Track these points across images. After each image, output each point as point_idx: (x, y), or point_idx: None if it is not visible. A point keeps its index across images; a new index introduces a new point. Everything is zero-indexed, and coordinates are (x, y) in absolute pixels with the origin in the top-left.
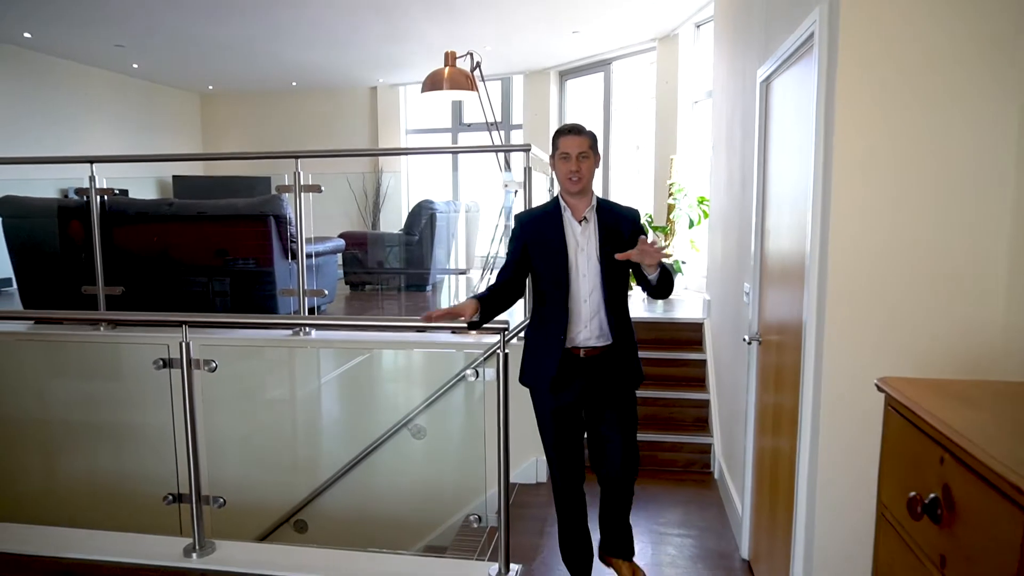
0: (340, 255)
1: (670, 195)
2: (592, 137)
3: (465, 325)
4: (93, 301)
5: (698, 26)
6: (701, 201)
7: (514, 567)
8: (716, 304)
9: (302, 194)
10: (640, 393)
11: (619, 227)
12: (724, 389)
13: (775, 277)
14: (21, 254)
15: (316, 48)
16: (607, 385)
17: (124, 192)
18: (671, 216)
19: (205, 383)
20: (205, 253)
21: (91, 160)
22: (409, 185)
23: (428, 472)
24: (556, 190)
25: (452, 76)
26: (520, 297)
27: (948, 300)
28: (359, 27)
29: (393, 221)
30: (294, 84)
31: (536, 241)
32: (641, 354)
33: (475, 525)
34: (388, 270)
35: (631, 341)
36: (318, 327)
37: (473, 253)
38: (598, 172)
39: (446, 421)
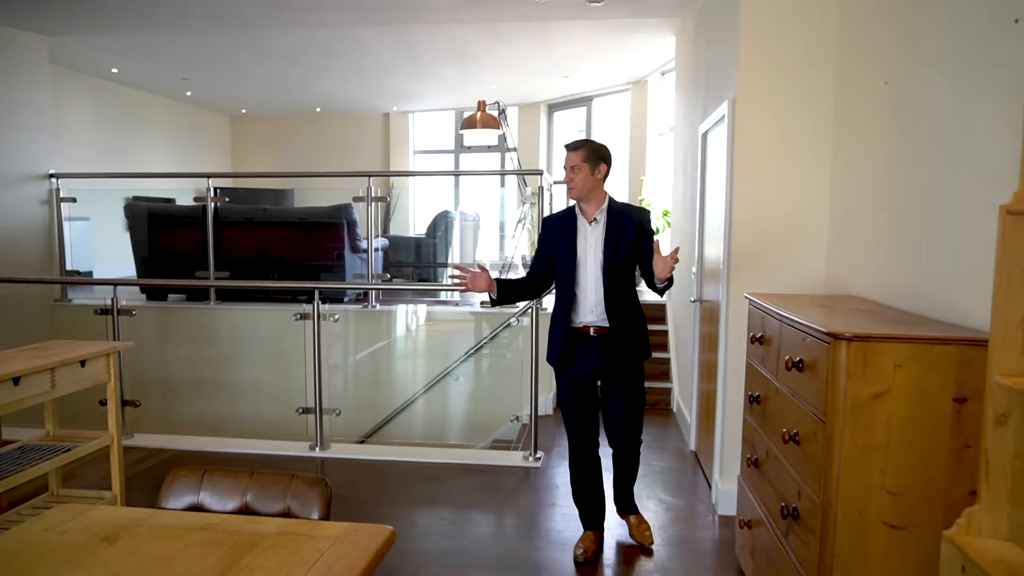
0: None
1: None
2: (586, 150)
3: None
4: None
5: (663, 74)
6: (665, 214)
7: (540, 453)
8: (675, 288)
9: (370, 204)
10: None
11: (626, 226)
12: (681, 350)
13: (709, 271)
14: (141, 247)
15: (347, 83)
16: (615, 359)
17: (171, 200)
18: None
19: (327, 331)
20: (293, 248)
21: (208, 176)
22: (415, 198)
23: (483, 391)
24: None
25: (484, 119)
26: (546, 288)
27: (796, 268)
28: (390, 69)
29: (401, 226)
30: (318, 110)
31: (555, 239)
32: None
33: (513, 422)
34: (416, 264)
35: (635, 323)
36: (403, 290)
37: (476, 252)
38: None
39: (497, 356)
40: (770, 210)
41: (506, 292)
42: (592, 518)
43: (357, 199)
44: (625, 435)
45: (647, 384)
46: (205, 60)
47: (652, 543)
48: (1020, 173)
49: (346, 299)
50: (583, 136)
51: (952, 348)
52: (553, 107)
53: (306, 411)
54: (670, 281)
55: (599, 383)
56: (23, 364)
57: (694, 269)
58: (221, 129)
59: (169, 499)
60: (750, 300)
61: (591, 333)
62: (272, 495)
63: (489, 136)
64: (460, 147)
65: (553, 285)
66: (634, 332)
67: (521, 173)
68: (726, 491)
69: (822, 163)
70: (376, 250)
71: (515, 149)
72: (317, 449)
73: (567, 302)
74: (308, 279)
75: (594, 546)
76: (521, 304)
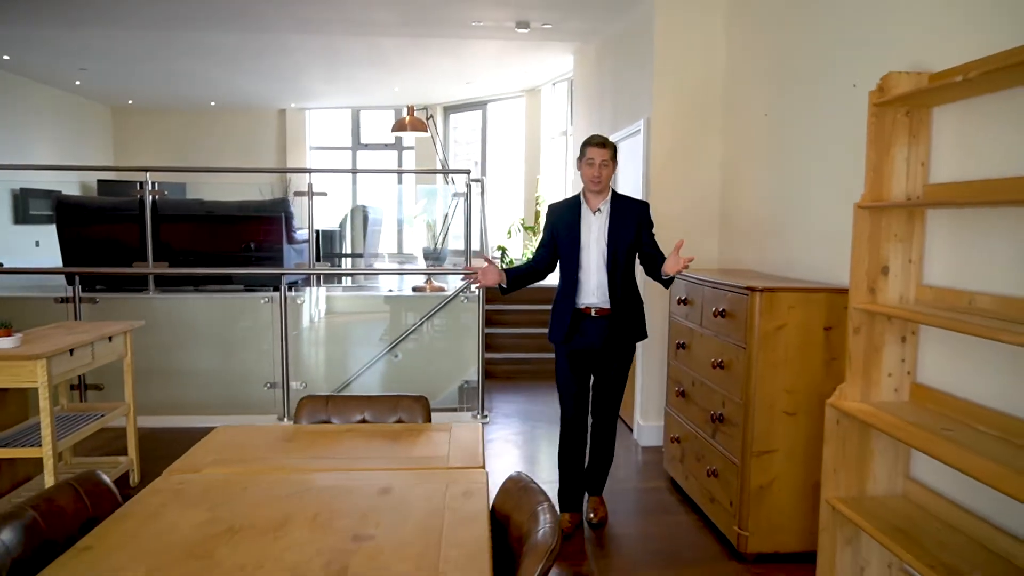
0: None
1: (536, 204)
2: (613, 148)
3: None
4: (144, 279)
5: (554, 84)
6: None
7: (487, 412)
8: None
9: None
10: (523, 330)
11: (627, 217)
12: None
13: None
14: (71, 244)
15: (249, 79)
16: (613, 338)
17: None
18: (537, 220)
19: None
20: (232, 240)
21: (146, 169)
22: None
23: (437, 357)
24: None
25: (412, 122)
26: (551, 271)
27: (697, 249)
28: (304, 70)
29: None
30: (212, 104)
31: (560, 225)
32: (523, 307)
33: (465, 387)
34: (340, 254)
35: (634, 305)
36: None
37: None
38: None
39: (440, 331)
40: (675, 206)
41: (514, 282)
42: (571, 498)
43: (299, 193)
44: (608, 406)
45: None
46: (102, 52)
47: (602, 517)
48: (865, 182)
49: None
50: (479, 139)
51: (823, 295)
52: (449, 109)
53: (273, 385)
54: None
55: (593, 366)
56: (71, 339)
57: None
58: (102, 120)
59: (303, 418)
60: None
61: (592, 313)
62: (385, 411)
63: (417, 136)
64: (357, 144)
65: (551, 272)
66: (633, 314)
67: (450, 172)
68: (647, 427)
69: (713, 170)
70: (306, 241)
71: (444, 159)
72: (285, 419)
73: (570, 285)
74: (247, 269)
75: (571, 527)
76: (457, 285)
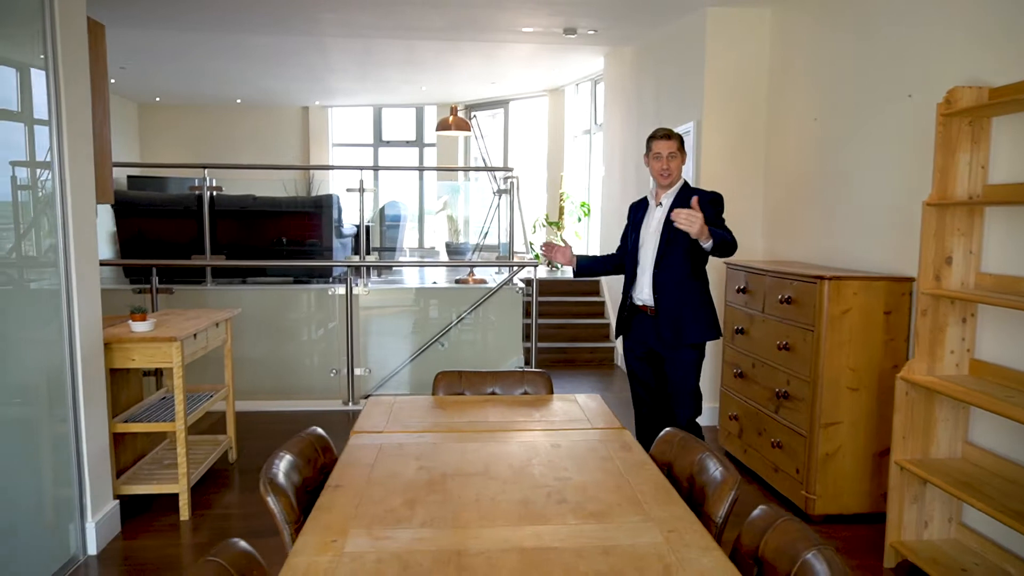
0: None
1: (561, 201)
2: (680, 140)
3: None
4: (201, 270)
5: (578, 85)
6: (583, 205)
7: None
8: None
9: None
10: (564, 320)
11: (686, 206)
12: None
13: None
14: (129, 239)
15: (277, 78)
16: (663, 338)
17: None
18: (561, 216)
19: (356, 302)
20: (281, 234)
21: (204, 166)
22: (333, 189)
23: (482, 346)
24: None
25: (456, 121)
26: (624, 268)
27: (742, 244)
28: (336, 70)
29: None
30: (238, 101)
31: (633, 221)
32: (560, 299)
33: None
34: (380, 248)
35: (689, 305)
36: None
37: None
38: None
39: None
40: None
41: (584, 268)
42: None
43: (350, 189)
44: (678, 413)
45: (590, 345)
46: (142, 50)
47: None
48: (933, 183)
49: (331, 279)
50: (502, 136)
51: (883, 282)
52: (471, 107)
53: (336, 372)
54: (724, 245)
55: (655, 361)
56: (192, 324)
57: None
58: (130, 117)
59: (439, 390)
60: (730, 265)
61: (647, 312)
62: (511, 384)
63: (461, 135)
64: (379, 141)
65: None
66: (686, 314)
67: (492, 170)
68: None
69: (758, 170)
70: (348, 236)
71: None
72: (350, 404)
73: (628, 280)
74: (294, 259)
75: None
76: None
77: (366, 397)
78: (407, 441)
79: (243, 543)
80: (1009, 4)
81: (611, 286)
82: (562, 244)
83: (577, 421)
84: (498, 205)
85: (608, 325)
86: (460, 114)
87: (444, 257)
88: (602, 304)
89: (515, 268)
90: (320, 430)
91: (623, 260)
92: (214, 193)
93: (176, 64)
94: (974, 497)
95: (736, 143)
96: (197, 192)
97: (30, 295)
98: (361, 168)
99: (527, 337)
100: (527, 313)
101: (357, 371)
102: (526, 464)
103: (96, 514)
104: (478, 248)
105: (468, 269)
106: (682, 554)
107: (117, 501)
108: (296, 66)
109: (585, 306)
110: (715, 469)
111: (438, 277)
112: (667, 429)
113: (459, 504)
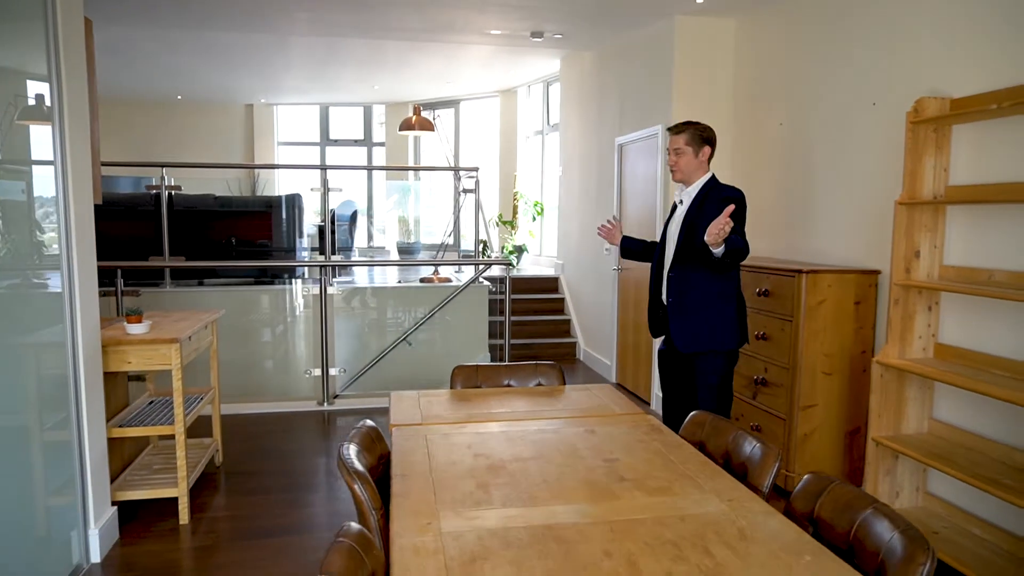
0: None
1: (515, 200)
2: (690, 133)
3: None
4: (158, 272)
5: (530, 87)
6: (536, 204)
7: None
8: (571, 263)
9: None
10: (524, 317)
11: (709, 209)
12: (585, 311)
13: None
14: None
15: (226, 75)
16: (681, 339)
17: None
18: (515, 216)
19: (331, 301)
20: (244, 234)
21: (162, 165)
22: (278, 188)
23: (448, 344)
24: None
25: (419, 121)
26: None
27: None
28: (292, 68)
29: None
30: (179, 97)
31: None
32: (521, 296)
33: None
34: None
35: (707, 306)
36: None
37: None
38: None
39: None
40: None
41: (625, 249)
42: None
43: (315, 189)
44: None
45: (552, 341)
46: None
47: None
48: (903, 184)
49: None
50: (452, 136)
51: (853, 275)
52: (421, 107)
53: (310, 373)
54: (735, 253)
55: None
56: (185, 325)
57: (607, 247)
58: None
59: (457, 384)
60: None
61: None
62: (525, 376)
63: (424, 135)
64: (326, 140)
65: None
66: (703, 316)
67: (458, 169)
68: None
69: (724, 171)
70: (308, 235)
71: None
72: (325, 404)
73: (654, 278)
74: (261, 260)
75: None
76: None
77: (336, 397)
78: (450, 432)
79: (356, 525)
80: (965, 21)
81: (570, 283)
82: (612, 225)
83: (601, 408)
84: (462, 204)
85: (569, 322)
86: (423, 114)
87: (395, 256)
88: (562, 301)
89: (480, 268)
90: (371, 422)
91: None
92: (172, 193)
93: (111, 58)
94: (945, 465)
95: None
96: (154, 191)
97: (35, 298)
98: (321, 167)
99: (493, 334)
100: (492, 311)
101: (332, 371)
102: (573, 448)
103: (98, 521)
104: (443, 247)
105: (433, 268)
106: (749, 519)
107: (115, 508)
108: (248, 63)
109: (546, 303)
110: (753, 445)
111: (390, 277)
112: (695, 412)
113: (529, 485)
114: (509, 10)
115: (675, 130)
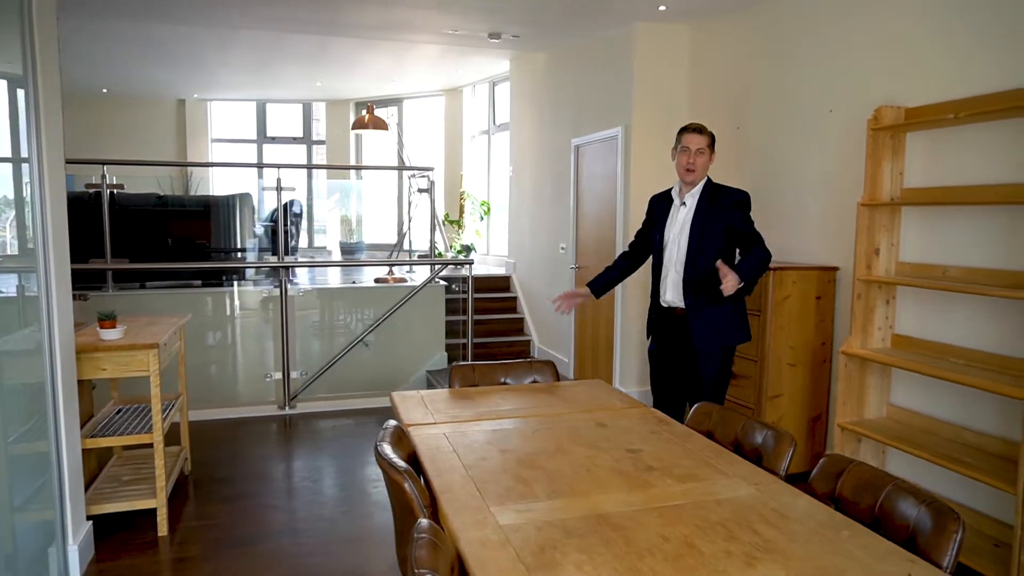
0: None
1: (461, 199)
2: (711, 137)
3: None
4: (101, 274)
5: (475, 86)
6: (483, 204)
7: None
8: (523, 262)
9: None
10: (478, 316)
11: (717, 211)
12: (539, 309)
13: (588, 242)
14: None
15: (158, 69)
16: (692, 341)
17: None
18: (461, 215)
19: (293, 303)
20: (192, 234)
21: (103, 163)
22: (213, 186)
23: (405, 345)
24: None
25: (373, 120)
26: (641, 263)
27: None
28: (231, 64)
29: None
30: (105, 91)
31: (655, 215)
32: (474, 295)
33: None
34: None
35: (720, 308)
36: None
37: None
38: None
39: (415, 314)
40: None
41: (600, 292)
42: None
43: (268, 188)
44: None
45: (507, 339)
46: None
47: None
48: (865, 187)
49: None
50: (395, 135)
51: (815, 272)
52: (361, 105)
53: (270, 376)
54: (748, 284)
55: (677, 362)
56: (157, 329)
57: (563, 245)
58: None
59: (455, 383)
60: None
61: (676, 312)
62: (521, 374)
63: (379, 135)
64: (263, 137)
65: (641, 263)
66: (719, 316)
67: (412, 169)
68: (630, 393)
69: None
70: (256, 235)
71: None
72: (286, 408)
73: (655, 281)
74: (212, 261)
75: None
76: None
77: (294, 399)
78: (467, 430)
79: (427, 521)
80: (916, 33)
81: (523, 282)
82: (571, 294)
83: (603, 401)
84: (416, 204)
85: (522, 319)
86: (366, 112)
87: (338, 255)
88: (515, 299)
89: (437, 268)
90: (395, 422)
91: (635, 256)
92: (114, 192)
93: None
94: (907, 445)
95: (664, 147)
96: (93, 190)
97: (11, 302)
98: (277, 166)
99: (449, 333)
100: (449, 310)
101: (294, 374)
102: (591, 441)
103: (76, 536)
104: (398, 247)
105: (388, 268)
106: (779, 500)
107: (91, 522)
108: (180, 57)
109: (498, 302)
110: (766, 432)
111: (331, 278)
112: (701, 403)
113: (566, 477)
114: (471, 11)
115: (698, 130)
